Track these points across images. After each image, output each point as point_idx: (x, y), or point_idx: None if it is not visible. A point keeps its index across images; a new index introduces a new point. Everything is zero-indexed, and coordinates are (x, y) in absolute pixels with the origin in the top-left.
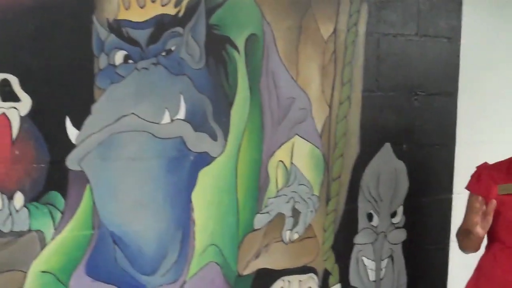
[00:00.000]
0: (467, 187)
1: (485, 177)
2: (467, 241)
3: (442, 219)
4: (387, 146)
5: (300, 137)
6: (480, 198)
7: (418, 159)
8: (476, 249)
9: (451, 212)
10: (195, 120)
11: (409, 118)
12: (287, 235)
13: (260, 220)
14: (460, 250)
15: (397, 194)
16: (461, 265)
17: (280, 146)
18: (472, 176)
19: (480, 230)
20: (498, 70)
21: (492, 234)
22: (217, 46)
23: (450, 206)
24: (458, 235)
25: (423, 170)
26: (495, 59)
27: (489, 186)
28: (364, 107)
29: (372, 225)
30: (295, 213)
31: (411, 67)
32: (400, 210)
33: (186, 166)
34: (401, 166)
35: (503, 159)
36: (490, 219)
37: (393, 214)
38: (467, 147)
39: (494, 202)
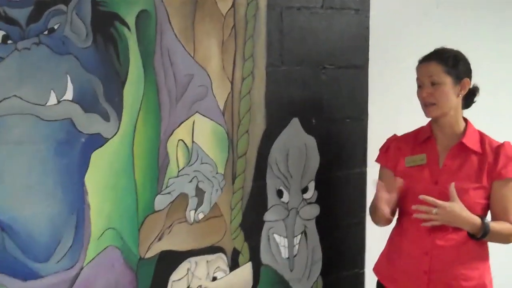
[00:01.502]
0: (377, 160)
1: (393, 149)
2: (376, 216)
3: (357, 193)
4: (295, 121)
5: (201, 114)
6: (389, 171)
7: (329, 134)
8: (387, 222)
9: (365, 185)
10: (85, 101)
11: (317, 92)
12: (191, 215)
13: (161, 201)
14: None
15: (308, 169)
16: (379, 238)
17: (179, 125)
18: (381, 149)
19: (385, 206)
20: (407, 41)
21: (401, 207)
22: (105, 23)
23: (364, 179)
24: (370, 208)
25: (335, 144)
26: (405, 30)
27: (397, 158)
28: (268, 83)
29: (283, 202)
30: (199, 193)
31: (318, 41)
32: (311, 185)
33: (77, 148)
34: (311, 141)
35: (410, 131)
36: (394, 196)
37: (305, 190)
38: (380, 119)
39: (399, 180)
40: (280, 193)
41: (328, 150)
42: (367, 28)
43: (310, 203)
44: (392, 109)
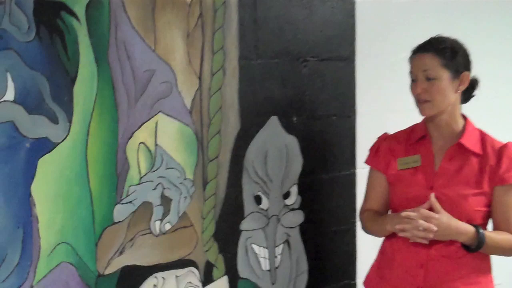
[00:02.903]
0: (366, 161)
1: (384, 150)
2: (374, 226)
3: (345, 197)
4: (274, 120)
5: (165, 114)
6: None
7: (312, 133)
8: (384, 235)
9: (355, 188)
10: (29, 101)
11: (298, 87)
12: (156, 226)
13: (120, 212)
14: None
15: (289, 172)
16: (371, 246)
17: (140, 126)
18: (371, 149)
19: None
20: (399, 30)
21: (392, 206)
22: (50, 14)
23: (354, 182)
24: (363, 216)
25: (319, 144)
26: (396, 18)
27: (388, 159)
28: (242, 78)
29: (261, 208)
30: (165, 201)
31: (297, 31)
32: (294, 190)
33: (21, 154)
34: (292, 141)
35: (403, 129)
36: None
37: (286, 195)
38: (369, 116)
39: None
40: (258, 199)
41: (312, 151)
42: (353, 16)
43: (293, 209)
44: (383, 104)
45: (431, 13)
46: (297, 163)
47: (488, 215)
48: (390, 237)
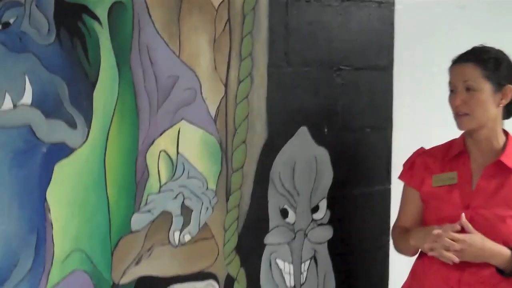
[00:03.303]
0: (399, 177)
1: (419, 165)
2: (402, 244)
3: (378, 214)
4: (303, 130)
5: (188, 122)
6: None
7: (345, 145)
8: (414, 253)
9: (389, 205)
10: (47, 105)
11: (330, 97)
12: (175, 236)
13: (139, 220)
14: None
15: (319, 185)
16: (404, 267)
17: (161, 134)
18: (405, 165)
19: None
20: (439, 39)
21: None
22: (71, 16)
23: (388, 198)
24: (394, 233)
25: (352, 157)
26: (436, 26)
27: (422, 176)
28: (271, 86)
29: (288, 222)
30: (186, 211)
31: (331, 38)
32: (323, 204)
33: (37, 159)
34: (322, 153)
35: (441, 144)
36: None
37: (315, 209)
38: (407, 129)
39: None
40: (284, 213)
41: (344, 164)
42: (392, 24)
43: (321, 224)
44: (421, 117)
45: (476, 22)
46: (327, 176)
47: None
48: (422, 257)
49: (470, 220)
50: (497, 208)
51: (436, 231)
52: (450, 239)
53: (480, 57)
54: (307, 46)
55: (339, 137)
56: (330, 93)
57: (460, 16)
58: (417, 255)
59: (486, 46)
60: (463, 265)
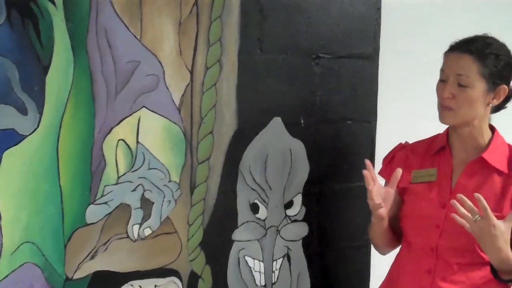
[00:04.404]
0: (379, 173)
1: (399, 160)
2: (371, 232)
3: (359, 211)
4: (277, 121)
5: (149, 110)
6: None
7: (323, 138)
8: (387, 243)
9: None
10: None
11: (308, 86)
12: (134, 230)
13: (94, 213)
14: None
15: (293, 180)
16: (387, 267)
17: (120, 122)
18: (385, 159)
19: (377, 197)
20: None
21: (403, 234)
22: None
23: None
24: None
25: (331, 151)
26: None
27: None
28: (242, 73)
29: (258, 218)
30: (146, 204)
31: (309, 23)
32: (297, 199)
33: None
34: (298, 145)
35: (426, 138)
36: (391, 191)
37: (289, 205)
38: (393, 122)
39: (398, 171)
40: (255, 208)
41: (322, 158)
42: (379, 8)
43: (295, 221)
44: (408, 110)
45: (472, 8)
46: (302, 171)
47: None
48: (397, 260)
49: (446, 220)
50: (476, 208)
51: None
52: (480, 206)
53: (480, 51)
54: (282, 31)
55: (317, 129)
56: (308, 82)
57: (455, 1)
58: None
59: (488, 37)
60: (437, 270)
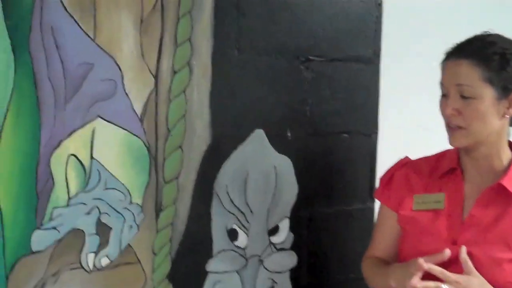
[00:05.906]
0: (375, 195)
1: (399, 180)
2: (376, 279)
3: (357, 238)
4: (259, 134)
5: (105, 120)
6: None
7: (314, 153)
8: None
9: (372, 227)
10: None
11: (295, 94)
12: (89, 260)
13: (41, 239)
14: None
15: (279, 202)
16: None
17: (70, 134)
18: (382, 179)
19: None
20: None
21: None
22: None
23: (370, 219)
24: (365, 265)
25: (323, 168)
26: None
27: (402, 194)
28: (216, 78)
29: (237, 246)
30: (103, 230)
31: (297, 20)
32: (284, 225)
33: None
34: (284, 162)
35: (431, 155)
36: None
37: (273, 231)
38: (396, 136)
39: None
40: (233, 234)
41: (313, 176)
42: (380, 4)
43: (282, 249)
44: (414, 121)
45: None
46: (290, 192)
47: None
48: None
49: (456, 260)
50: (493, 247)
51: (428, 265)
52: (440, 277)
53: (480, 52)
54: (264, 29)
55: (307, 144)
56: (296, 89)
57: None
58: None
59: (490, 35)
60: None
